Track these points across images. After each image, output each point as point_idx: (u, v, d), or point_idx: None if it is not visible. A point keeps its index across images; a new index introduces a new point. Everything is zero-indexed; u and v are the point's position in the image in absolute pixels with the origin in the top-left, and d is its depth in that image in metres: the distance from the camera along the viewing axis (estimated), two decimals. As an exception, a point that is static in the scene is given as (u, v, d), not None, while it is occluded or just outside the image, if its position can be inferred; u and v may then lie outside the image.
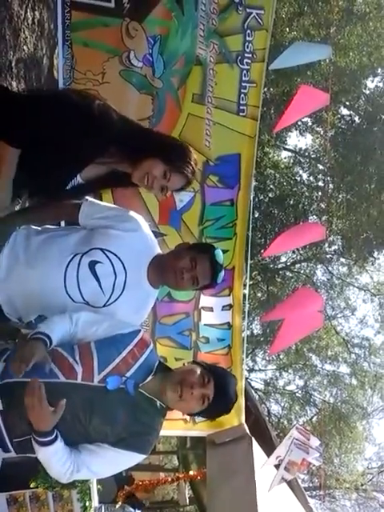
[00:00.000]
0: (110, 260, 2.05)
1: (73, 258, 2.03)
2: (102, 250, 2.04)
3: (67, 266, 2.02)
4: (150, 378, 1.92)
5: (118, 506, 4.54)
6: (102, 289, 2.05)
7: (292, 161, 13.13)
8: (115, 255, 2.05)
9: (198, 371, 1.93)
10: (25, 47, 5.04)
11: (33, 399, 1.70)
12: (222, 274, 2.17)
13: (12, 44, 4.67)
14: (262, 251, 10.42)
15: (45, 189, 2.08)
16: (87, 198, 2.18)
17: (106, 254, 2.04)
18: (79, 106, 1.99)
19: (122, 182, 2.23)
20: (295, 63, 3.77)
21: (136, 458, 1.92)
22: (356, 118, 11.66)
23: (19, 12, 4.86)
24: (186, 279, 2.08)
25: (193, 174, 2.14)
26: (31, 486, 3.76)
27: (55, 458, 1.79)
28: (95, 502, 4.08)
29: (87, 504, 3.92)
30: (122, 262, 2.06)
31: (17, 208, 2.24)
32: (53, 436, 1.75)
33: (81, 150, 1.95)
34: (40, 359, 1.75)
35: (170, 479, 8.29)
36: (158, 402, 1.91)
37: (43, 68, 5.60)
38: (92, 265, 2.03)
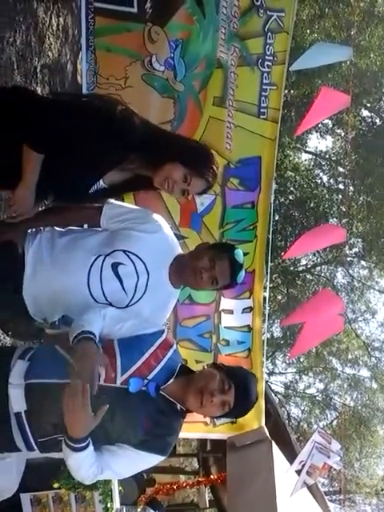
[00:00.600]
0: (133, 261, 2.06)
1: (96, 259, 2.05)
2: (124, 251, 2.06)
3: (91, 268, 2.04)
4: (171, 380, 1.91)
5: (139, 509, 4.56)
6: (124, 290, 2.07)
7: (312, 163, 13.06)
8: (137, 257, 2.07)
9: (218, 377, 1.92)
10: (49, 53, 5.11)
11: (76, 402, 1.65)
12: (243, 273, 2.16)
13: (37, 50, 4.74)
14: (283, 254, 10.38)
15: (68, 193, 2.10)
16: (109, 200, 2.20)
17: (128, 256, 2.06)
18: (101, 112, 2.02)
19: (145, 186, 2.25)
20: (316, 64, 3.75)
21: (156, 459, 1.92)
22: (377, 120, 11.56)
23: (44, 19, 4.94)
24: (205, 279, 2.08)
25: (214, 178, 2.14)
26: (54, 486, 3.78)
27: (85, 463, 1.78)
28: (116, 504, 4.09)
29: (109, 505, 3.92)
30: (144, 264, 2.08)
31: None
32: (87, 442, 1.74)
33: (103, 156, 1.98)
34: (104, 364, 1.77)
35: (190, 483, 8.28)
36: (179, 405, 1.92)
37: (67, 73, 5.68)
38: (115, 266, 2.05)
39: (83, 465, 1.78)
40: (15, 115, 1.99)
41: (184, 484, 8.34)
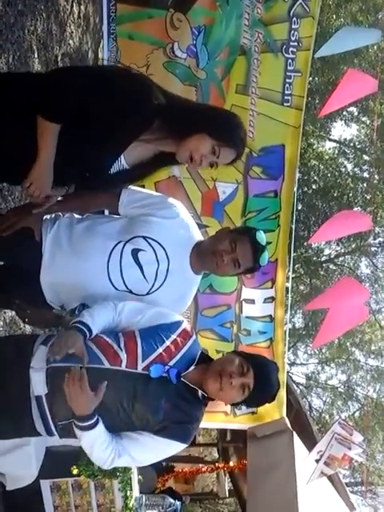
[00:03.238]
0: (153, 248, 2.04)
1: (116, 245, 2.03)
2: (144, 237, 2.04)
3: (110, 254, 2.02)
4: (192, 368, 1.92)
5: (156, 497, 4.58)
6: (144, 277, 2.05)
7: (337, 152, 12.86)
8: (158, 243, 2.04)
9: (237, 361, 1.92)
10: (70, 41, 5.11)
11: (74, 388, 1.72)
12: (266, 255, 2.11)
13: (58, 38, 4.74)
14: (306, 244, 10.29)
15: (89, 172, 1.99)
16: (127, 186, 2.15)
17: (148, 242, 2.04)
18: (120, 72, 1.95)
19: (167, 162, 2.15)
20: (343, 50, 3.64)
21: (176, 447, 1.92)
22: (404, 107, 11.32)
23: (65, 7, 4.94)
24: (227, 262, 2.04)
25: (243, 146, 2.03)
26: (74, 472, 3.81)
27: (98, 443, 1.81)
28: (136, 492, 4.12)
29: (128, 494, 3.95)
30: (165, 250, 2.05)
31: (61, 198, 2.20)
32: (94, 419, 1.78)
33: (122, 123, 1.84)
34: (76, 352, 1.77)
35: (209, 468, 8.34)
36: (200, 392, 1.92)
37: (88, 61, 5.68)
38: (135, 253, 2.03)
39: (96, 444, 1.81)
40: (23, 94, 1.86)
41: (203, 469, 8.40)
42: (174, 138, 1.96)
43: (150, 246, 2.04)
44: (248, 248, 2.06)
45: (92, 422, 1.77)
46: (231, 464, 7.60)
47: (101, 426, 1.80)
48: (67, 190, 2.14)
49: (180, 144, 1.95)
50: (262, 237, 2.10)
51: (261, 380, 1.91)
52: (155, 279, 2.06)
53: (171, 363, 1.89)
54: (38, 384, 1.85)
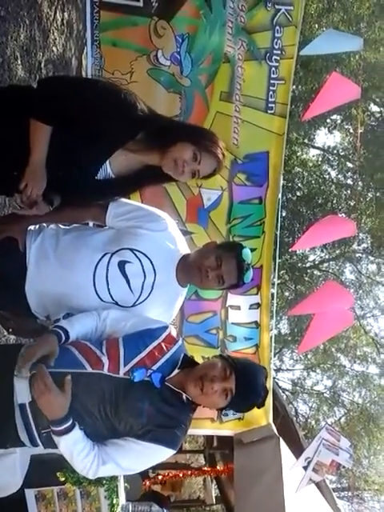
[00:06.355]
0: (140, 260, 2.04)
1: (102, 257, 2.03)
2: (131, 250, 2.04)
3: (96, 266, 2.02)
4: (175, 372, 1.92)
5: (142, 505, 4.54)
6: (131, 289, 2.05)
7: (320, 159, 13.00)
8: (145, 255, 2.05)
9: (219, 365, 1.92)
10: (54, 48, 5.10)
11: (39, 385, 1.72)
12: (250, 273, 2.13)
13: (41, 45, 4.73)
14: (290, 250, 10.34)
15: (75, 176, 2.03)
16: (115, 198, 2.16)
17: (135, 254, 2.04)
18: (106, 84, 2.09)
19: (154, 177, 2.20)
20: (326, 52, 3.69)
21: (163, 452, 1.90)
22: (386, 115, 11.47)
23: (48, 13, 4.92)
24: (211, 278, 2.06)
25: (223, 157, 2.10)
26: (60, 478, 3.77)
27: (77, 449, 1.79)
28: (122, 500, 4.08)
29: (114, 501, 3.90)
30: (152, 262, 2.06)
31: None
32: (69, 422, 1.76)
33: (107, 129, 1.94)
34: (45, 353, 1.77)
35: (196, 472, 8.32)
36: (185, 396, 1.91)
37: (72, 68, 5.67)
38: (121, 265, 2.03)
39: (75, 451, 1.79)
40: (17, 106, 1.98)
41: (189, 473, 8.36)
42: (158, 149, 2.03)
43: (137, 258, 2.04)
44: (233, 266, 2.07)
45: (67, 425, 1.76)
46: (218, 468, 7.60)
47: (77, 431, 1.78)
48: (51, 208, 2.13)
49: (164, 154, 2.02)
50: (247, 254, 2.12)
51: (243, 385, 1.90)
52: (141, 291, 2.07)
53: (154, 368, 1.89)
54: (22, 391, 1.83)
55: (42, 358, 1.76)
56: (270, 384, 3.77)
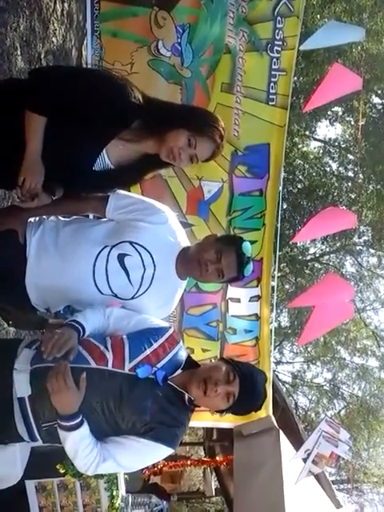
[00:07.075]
0: (139, 253, 2.03)
1: (102, 250, 2.02)
2: (130, 242, 2.03)
3: (96, 258, 2.01)
4: (179, 371, 1.93)
5: (142, 497, 4.56)
6: (130, 281, 2.04)
7: (321, 151, 12.94)
8: (144, 248, 2.04)
9: (224, 368, 1.92)
10: (54, 39, 5.06)
11: (59, 383, 1.71)
12: (250, 267, 2.12)
13: (41, 36, 4.69)
14: (291, 242, 10.33)
15: (72, 166, 2.01)
16: (115, 190, 2.15)
17: (134, 247, 2.03)
18: (100, 75, 2.04)
19: (154, 165, 2.18)
20: (328, 44, 3.66)
21: (163, 451, 1.91)
22: (388, 107, 11.42)
23: (48, 4, 4.89)
24: (211, 271, 2.06)
25: (221, 139, 2.06)
26: (59, 470, 3.78)
27: (82, 445, 1.79)
28: (122, 492, 4.10)
29: (114, 493, 3.93)
30: (151, 255, 2.05)
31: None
32: (79, 419, 1.76)
33: (102, 116, 1.92)
34: (73, 347, 1.78)
35: (195, 462, 8.36)
36: (187, 395, 1.91)
37: (72, 59, 5.63)
38: (121, 257, 2.02)
39: (80, 447, 1.79)
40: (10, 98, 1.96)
41: (189, 463, 8.41)
42: (154, 137, 2.01)
43: (137, 251, 2.03)
44: (233, 259, 2.06)
45: (77, 421, 1.76)
46: (218, 459, 7.64)
47: (86, 427, 1.78)
48: (53, 198, 2.12)
49: (161, 142, 2.00)
50: (247, 247, 2.10)
51: (246, 390, 1.91)
52: (141, 284, 2.06)
53: (159, 365, 1.89)
54: (22, 385, 1.83)
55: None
56: (270, 377, 3.79)
